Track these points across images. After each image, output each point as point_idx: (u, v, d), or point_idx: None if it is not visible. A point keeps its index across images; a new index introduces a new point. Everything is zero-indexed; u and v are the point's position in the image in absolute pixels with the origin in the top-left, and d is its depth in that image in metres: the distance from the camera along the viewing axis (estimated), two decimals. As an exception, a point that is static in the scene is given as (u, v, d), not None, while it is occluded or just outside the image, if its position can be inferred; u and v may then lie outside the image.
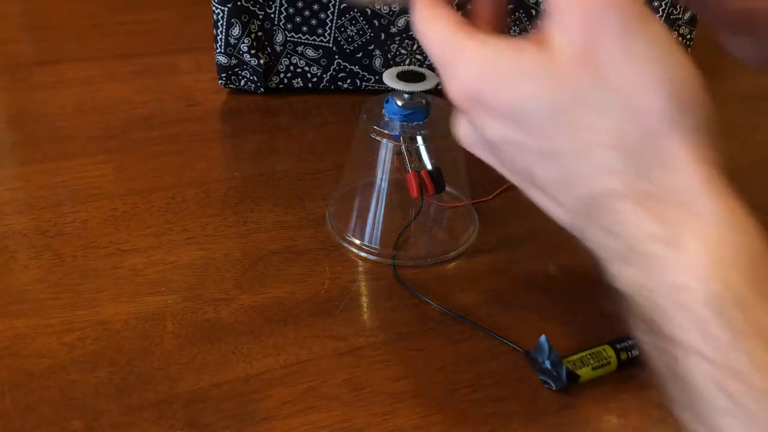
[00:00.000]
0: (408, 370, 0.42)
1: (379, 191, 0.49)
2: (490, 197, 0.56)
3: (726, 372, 0.23)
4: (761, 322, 0.23)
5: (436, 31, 0.30)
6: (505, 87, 0.27)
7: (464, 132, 0.32)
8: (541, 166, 0.28)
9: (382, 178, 0.49)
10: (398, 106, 0.46)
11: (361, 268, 0.49)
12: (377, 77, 0.68)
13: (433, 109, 0.48)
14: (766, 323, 0.23)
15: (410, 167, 0.46)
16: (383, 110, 0.48)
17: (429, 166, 0.46)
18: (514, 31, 0.67)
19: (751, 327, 0.23)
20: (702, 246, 0.24)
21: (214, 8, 0.63)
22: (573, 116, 0.26)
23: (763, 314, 0.23)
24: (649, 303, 0.25)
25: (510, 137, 0.28)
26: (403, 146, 0.46)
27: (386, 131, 0.47)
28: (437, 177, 0.46)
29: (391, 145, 0.47)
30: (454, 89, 0.29)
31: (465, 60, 0.28)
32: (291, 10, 0.64)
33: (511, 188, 0.59)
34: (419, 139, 0.46)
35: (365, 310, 0.45)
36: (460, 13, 0.31)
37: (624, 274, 0.26)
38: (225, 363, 0.41)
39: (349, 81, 0.68)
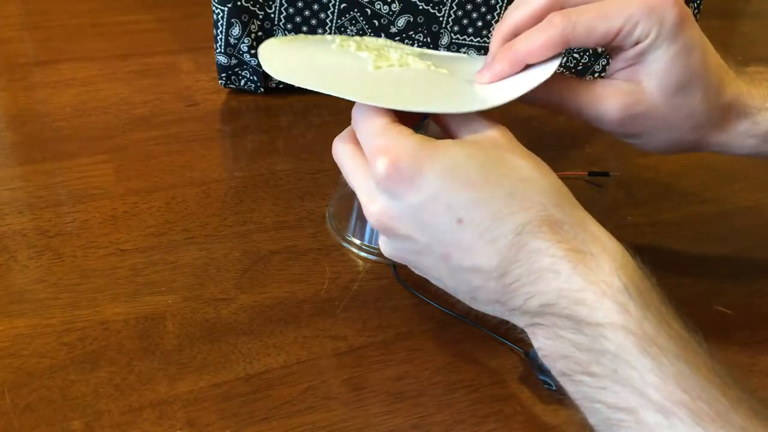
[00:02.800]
0: (408, 370, 0.42)
1: (379, 191, 0.49)
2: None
3: (642, 337, 0.30)
4: (655, 303, 0.32)
5: (373, 120, 0.37)
6: (431, 158, 0.34)
7: (381, 206, 0.37)
8: (470, 214, 0.34)
9: (382, 178, 0.49)
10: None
11: (361, 268, 0.49)
12: (377, 77, 0.68)
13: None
14: (657, 304, 0.32)
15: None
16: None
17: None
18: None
19: (650, 305, 0.31)
20: (609, 256, 0.32)
21: (214, 8, 0.63)
22: (499, 168, 0.35)
23: (654, 299, 0.32)
24: (572, 300, 0.32)
25: (435, 197, 0.34)
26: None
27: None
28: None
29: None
30: (382, 165, 0.35)
31: (397, 143, 0.35)
32: (291, 10, 0.64)
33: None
34: (419, 139, 0.46)
35: (365, 310, 0.45)
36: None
37: (547, 286, 0.33)
38: (225, 363, 0.41)
39: (349, 81, 0.68)
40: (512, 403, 0.40)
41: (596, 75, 0.71)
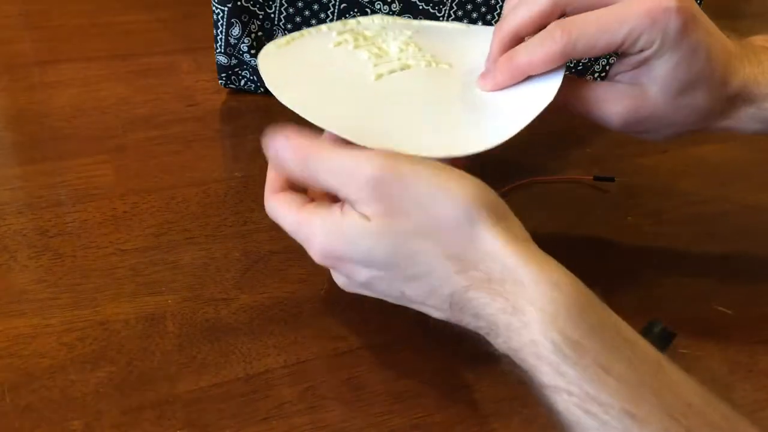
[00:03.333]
0: (408, 370, 0.42)
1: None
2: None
3: (583, 398, 0.29)
4: (592, 353, 0.30)
5: (285, 216, 0.38)
6: (350, 245, 0.34)
7: (341, 281, 0.38)
8: (410, 288, 0.35)
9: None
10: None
11: (361, 268, 0.49)
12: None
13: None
14: (594, 352, 0.30)
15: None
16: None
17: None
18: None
19: (586, 360, 0.30)
20: (535, 308, 0.31)
21: (214, 8, 0.63)
22: (408, 249, 0.33)
23: (591, 346, 0.30)
24: (519, 360, 0.32)
25: (375, 275, 0.35)
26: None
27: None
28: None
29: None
30: (316, 255, 0.36)
31: (314, 234, 0.36)
32: (291, 10, 0.64)
33: (511, 190, 0.59)
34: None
35: (365, 310, 0.45)
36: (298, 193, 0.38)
37: (497, 342, 0.33)
38: (225, 363, 0.41)
39: (349, 81, 0.68)
40: (512, 403, 0.40)
41: (596, 75, 0.71)
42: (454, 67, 0.46)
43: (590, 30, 0.37)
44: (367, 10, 0.64)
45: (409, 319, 0.45)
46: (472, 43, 0.48)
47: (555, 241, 0.52)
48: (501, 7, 0.66)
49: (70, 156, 0.58)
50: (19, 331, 0.42)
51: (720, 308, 0.47)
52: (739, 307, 0.47)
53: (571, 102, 0.41)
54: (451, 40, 0.49)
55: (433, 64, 0.46)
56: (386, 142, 0.37)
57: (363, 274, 0.36)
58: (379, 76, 0.44)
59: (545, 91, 0.40)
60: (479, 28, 0.51)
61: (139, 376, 0.40)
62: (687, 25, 0.37)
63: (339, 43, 0.47)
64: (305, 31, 0.49)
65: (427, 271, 0.34)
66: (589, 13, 0.38)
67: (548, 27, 0.38)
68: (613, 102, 0.40)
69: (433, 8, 0.65)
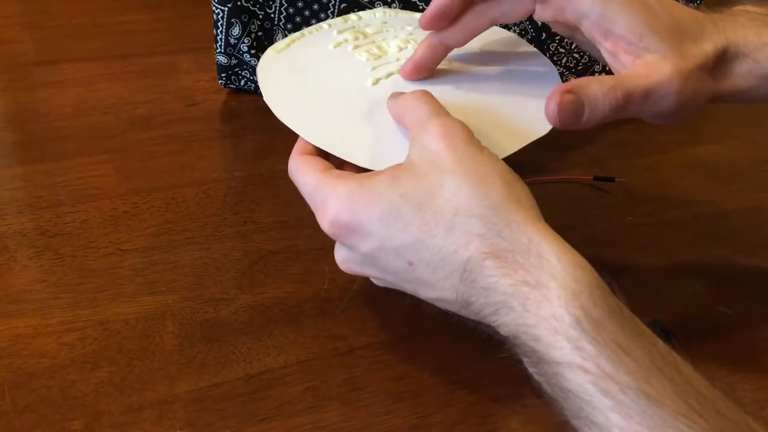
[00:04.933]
0: (408, 370, 0.42)
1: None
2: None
3: (600, 376, 0.29)
4: (611, 334, 0.29)
5: (306, 175, 0.37)
6: (369, 205, 0.34)
7: (342, 257, 0.38)
8: (418, 255, 0.34)
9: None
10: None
11: (361, 268, 0.49)
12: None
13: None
14: (614, 334, 0.30)
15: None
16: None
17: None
18: (514, 30, 0.67)
19: (605, 338, 0.29)
20: (558, 284, 0.30)
21: (214, 8, 0.63)
22: (435, 201, 0.33)
23: (611, 327, 0.30)
24: (530, 337, 0.31)
25: (382, 245, 0.34)
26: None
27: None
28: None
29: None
30: (326, 222, 0.36)
31: (331, 197, 0.35)
32: (291, 10, 0.64)
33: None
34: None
35: (365, 310, 0.45)
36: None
37: (507, 319, 0.32)
38: (225, 363, 0.41)
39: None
40: (512, 403, 0.40)
41: (596, 75, 0.71)
42: (453, 63, 0.46)
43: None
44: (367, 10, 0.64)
45: (410, 319, 0.45)
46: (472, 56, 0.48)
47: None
48: (501, 7, 0.65)
49: (70, 156, 0.58)
50: (19, 331, 0.42)
51: (720, 308, 0.47)
52: (739, 307, 0.47)
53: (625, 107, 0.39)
54: None
55: None
56: (378, 155, 0.38)
57: (369, 243, 0.35)
58: (377, 81, 0.44)
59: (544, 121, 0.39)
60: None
61: (139, 376, 0.40)
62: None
63: (339, 44, 0.47)
64: (306, 30, 0.49)
65: (446, 228, 0.33)
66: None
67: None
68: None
69: (433, 8, 0.65)
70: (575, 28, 0.42)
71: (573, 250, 0.32)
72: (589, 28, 0.40)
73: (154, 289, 0.46)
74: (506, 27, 0.57)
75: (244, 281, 0.47)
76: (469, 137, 0.35)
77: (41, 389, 0.39)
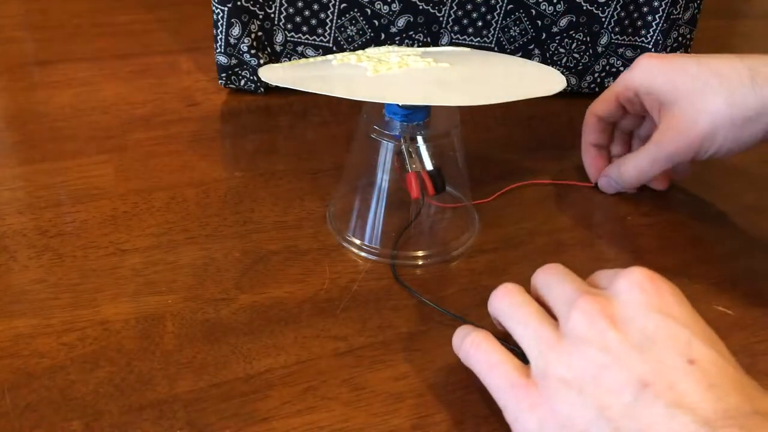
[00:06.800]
0: (408, 370, 0.42)
1: (379, 191, 0.49)
2: (490, 198, 0.56)
3: None
4: None
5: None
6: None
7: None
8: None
9: (382, 178, 0.49)
10: (398, 105, 0.47)
11: (361, 268, 0.49)
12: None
13: (433, 108, 0.48)
14: None
15: (410, 167, 0.46)
16: (383, 110, 0.48)
17: (429, 167, 0.46)
18: (514, 30, 0.67)
19: None
20: None
21: (214, 8, 0.63)
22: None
23: None
24: None
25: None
26: (403, 146, 0.46)
27: (386, 131, 0.47)
28: (437, 177, 0.46)
29: (391, 145, 0.47)
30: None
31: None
32: (291, 10, 0.64)
33: (512, 189, 0.59)
34: (419, 139, 0.46)
35: (365, 310, 0.45)
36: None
37: None
38: (225, 363, 0.41)
39: (349, 81, 0.68)
40: (512, 403, 0.40)
41: (596, 75, 0.71)
42: (454, 65, 0.47)
43: None
44: (367, 10, 0.64)
45: (410, 319, 0.45)
46: (474, 57, 0.50)
47: (555, 242, 0.52)
48: (500, 8, 0.66)
49: (70, 156, 0.58)
50: (19, 331, 0.42)
51: (720, 308, 0.47)
52: (739, 307, 0.47)
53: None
54: (453, 54, 0.51)
55: (433, 64, 0.46)
56: (395, 98, 0.42)
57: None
58: (377, 71, 0.45)
59: (544, 86, 0.44)
60: (482, 52, 0.53)
61: (139, 376, 0.40)
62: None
63: (341, 59, 0.49)
64: (310, 59, 0.53)
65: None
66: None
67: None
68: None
69: (433, 8, 0.65)
70: None
71: None
72: None
73: (154, 289, 0.46)
74: (497, 21, 0.57)
75: (244, 281, 0.47)
76: None
77: (41, 389, 0.39)
